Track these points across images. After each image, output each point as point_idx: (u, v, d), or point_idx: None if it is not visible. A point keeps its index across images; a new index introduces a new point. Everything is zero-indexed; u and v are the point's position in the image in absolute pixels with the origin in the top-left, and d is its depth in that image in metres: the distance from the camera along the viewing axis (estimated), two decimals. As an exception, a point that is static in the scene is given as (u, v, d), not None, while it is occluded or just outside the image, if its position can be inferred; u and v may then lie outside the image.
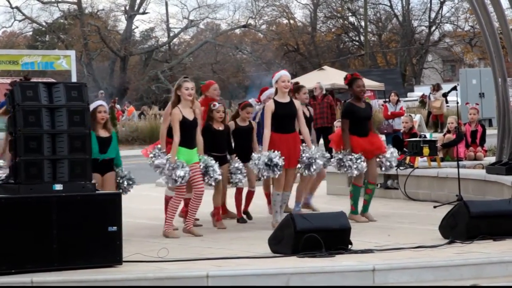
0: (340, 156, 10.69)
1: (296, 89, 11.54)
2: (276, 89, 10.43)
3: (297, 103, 10.49)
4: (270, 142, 10.19)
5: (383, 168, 11.05)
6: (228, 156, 11.06)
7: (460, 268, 7.74)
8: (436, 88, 30.92)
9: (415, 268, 7.70)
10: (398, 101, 19.04)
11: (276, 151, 10.11)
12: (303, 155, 10.39)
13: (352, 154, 10.65)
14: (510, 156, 12.06)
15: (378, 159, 10.97)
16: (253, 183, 11.39)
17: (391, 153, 11.00)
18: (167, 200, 10.45)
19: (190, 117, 9.82)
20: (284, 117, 10.26)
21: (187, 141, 9.81)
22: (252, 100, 11.61)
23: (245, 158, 10.90)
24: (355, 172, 10.63)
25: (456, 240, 8.75)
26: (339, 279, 7.50)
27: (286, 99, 10.38)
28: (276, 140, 10.22)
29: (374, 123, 13.13)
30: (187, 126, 9.77)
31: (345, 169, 10.70)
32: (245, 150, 11.11)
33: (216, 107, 10.92)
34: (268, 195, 11.68)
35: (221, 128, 10.92)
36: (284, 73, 10.46)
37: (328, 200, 13.51)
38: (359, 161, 10.63)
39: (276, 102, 10.31)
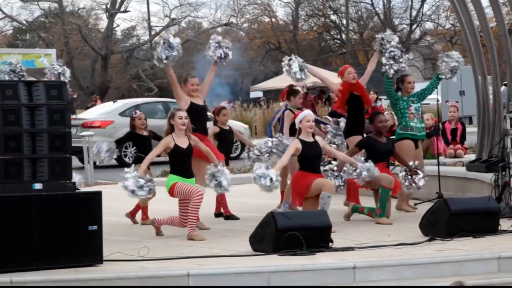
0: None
1: (293, 92, 11.71)
2: (299, 128, 10.10)
3: (320, 140, 10.21)
4: (296, 180, 10.02)
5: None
6: None
7: (440, 265, 7.78)
8: None
9: (396, 266, 7.73)
10: (377, 99, 18.99)
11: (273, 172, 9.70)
12: None
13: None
14: (490, 153, 12.11)
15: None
16: None
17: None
18: None
19: (184, 145, 9.63)
20: (312, 157, 9.99)
21: (181, 170, 9.57)
22: (224, 103, 11.73)
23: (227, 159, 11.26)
24: (365, 174, 10.23)
25: (436, 238, 8.79)
26: (320, 277, 7.52)
27: (311, 139, 10.09)
28: (301, 178, 9.94)
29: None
30: (179, 155, 9.55)
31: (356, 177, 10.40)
32: (228, 152, 11.54)
33: (137, 114, 11.45)
34: (283, 193, 11.74)
35: (145, 133, 11.33)
36: (308, 113, 10.17)
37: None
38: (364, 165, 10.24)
39: (302, 141, 10.00)
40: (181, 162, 9.61)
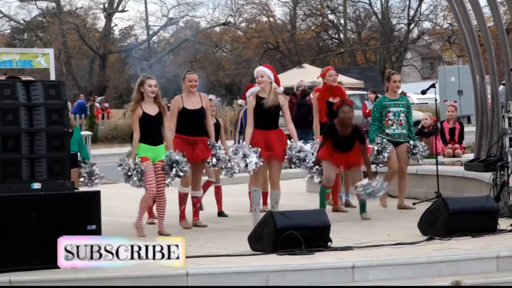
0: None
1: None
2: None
3: (281, 99, 10.23)
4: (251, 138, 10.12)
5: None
6: None
7: (439, 264, 7.78)
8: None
9: (395, 265, 7.73)
10: (376, 98, 18.97)
11: (255, 148, 10.01)
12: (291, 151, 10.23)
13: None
14: (488, 153, 12.11)
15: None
16: (214, 176, 11.46)
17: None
18: (181, 196, 10.54)
19: (153, 112, 9.77)
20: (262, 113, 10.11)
21: (148, 138, 9.73)
22: (212, 96, 11.68)
23: None
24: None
25: (435, 237, 8.80)
26: (319, 276, 7.52)
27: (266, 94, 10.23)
28: (257, 135, 10.11)
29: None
30: (148, 122, 9.71)
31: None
32: None
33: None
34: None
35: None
36: (258, 69, 10.44)
37: (307, 197, 13.51)
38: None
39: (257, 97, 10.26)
40: (147, 130, 9.70)
